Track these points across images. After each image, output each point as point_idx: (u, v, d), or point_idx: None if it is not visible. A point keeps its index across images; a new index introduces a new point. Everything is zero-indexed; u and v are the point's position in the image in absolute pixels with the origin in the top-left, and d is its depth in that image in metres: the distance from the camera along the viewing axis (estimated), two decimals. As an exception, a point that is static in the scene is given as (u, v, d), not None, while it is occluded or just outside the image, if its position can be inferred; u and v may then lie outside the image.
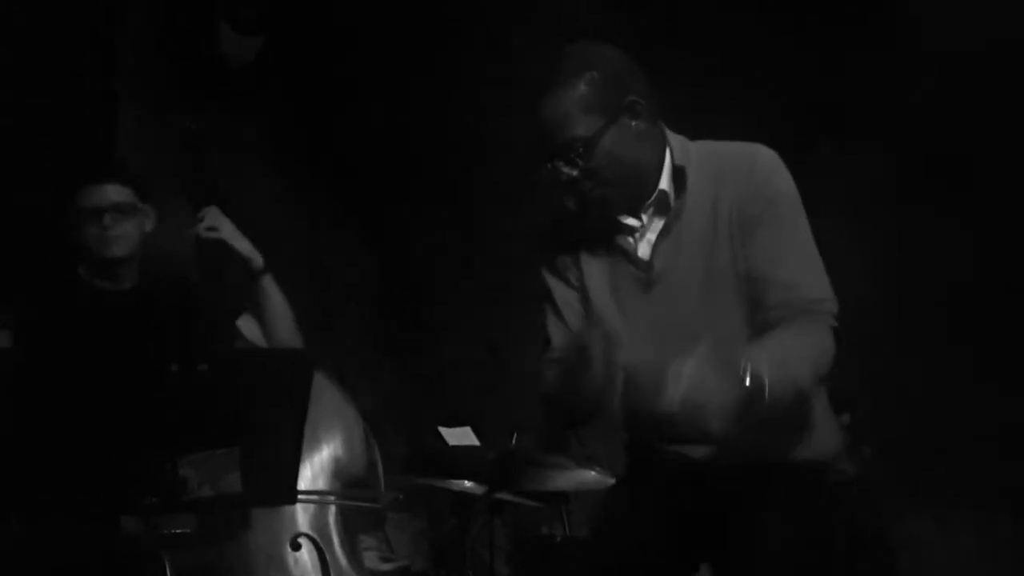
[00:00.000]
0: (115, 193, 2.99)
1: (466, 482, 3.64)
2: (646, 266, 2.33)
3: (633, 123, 2.27)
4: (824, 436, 2.34)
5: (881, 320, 4.13)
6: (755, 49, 4.31)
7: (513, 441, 3.72)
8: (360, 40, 4.63)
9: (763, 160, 2.32)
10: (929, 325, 4.23)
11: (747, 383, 2.00)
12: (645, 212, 2.34)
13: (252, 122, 4.44)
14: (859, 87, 4.34)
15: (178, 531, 2.49)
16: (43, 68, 3.91)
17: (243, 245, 2.99)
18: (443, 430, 3.97)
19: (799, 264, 2.25)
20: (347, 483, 2.87)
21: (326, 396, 2.83)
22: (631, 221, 2.34)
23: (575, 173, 2.26)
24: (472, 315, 4.77)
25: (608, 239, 2.37)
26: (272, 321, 3.00)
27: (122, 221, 2.98)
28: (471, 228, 4.88)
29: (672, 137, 2.36)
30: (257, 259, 3.01)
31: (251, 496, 2.48)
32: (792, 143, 4.29)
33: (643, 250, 2.34)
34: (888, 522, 4.00)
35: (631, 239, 2.35)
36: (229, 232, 2.99)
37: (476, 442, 3.98)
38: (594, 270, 2.39)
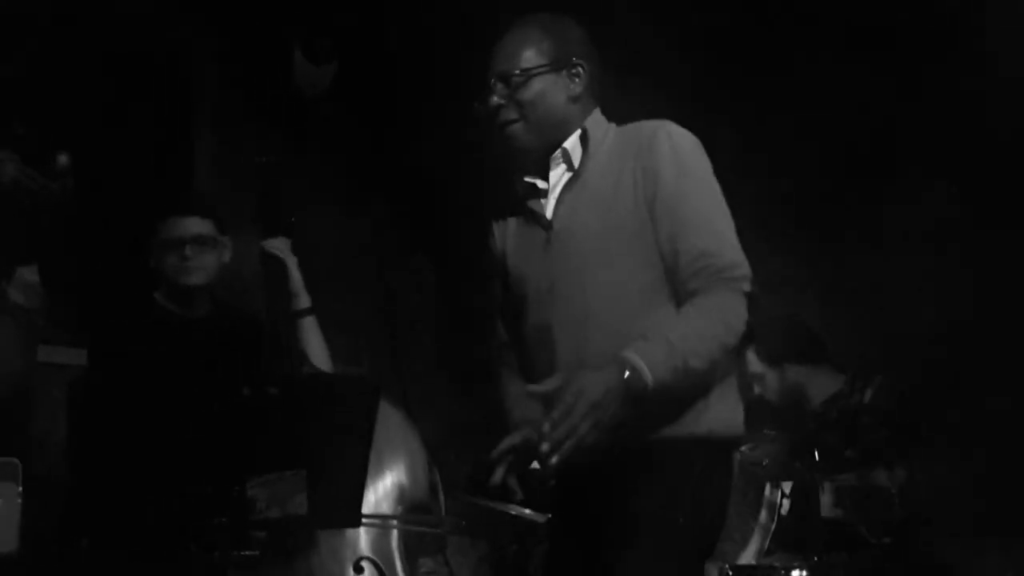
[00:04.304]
0: (197, 225, 3.09)
1: (528, 509, 3.65)
2: (547, 224, 2.44)
3: (571, 84, 2.45)
4: (722, 413, 2.35)
5: (953, 354, 4.10)
6: (829, 77, 4.31)
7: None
8: (434, 68, 4.69)
9: (669, 133, 2.40)
10: (1001, 360, 4.17)
11: (626, 376, 2.14)
12: (552, 169, 2.47)
13: (324, 151, 4.52)
14: (934, 117, 4.30)
15: (246, 552, 2.55)
16: (121, 103, 4.03)
17: (297, 278, 3.07)
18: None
19: (709, 233, 2.33)
20: (409, 508, 2.91)
21: (392, 422, 2.88)
22: (540, 183, 2.47)
23: (502, 100, 2.43)
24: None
25: (522, 204, 2.50)
26: (310, 363, 3.08)
27: (202, 253, 3.07)
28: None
29: (596, 116, 2.49)
30: (305, 298, 3.07)
31: (317, 518, 2.52)
32: (865, 173, 4.33)
33: (548, 209, 2.46)
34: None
35: (541, 201, 2.47)
36: (291, 261, 3.07)
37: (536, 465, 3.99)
38: (509, 233, 2.53)
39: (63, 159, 2.88)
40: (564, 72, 2.45)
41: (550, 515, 3.59)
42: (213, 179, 4.28)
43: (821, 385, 3.89)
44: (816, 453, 3.48)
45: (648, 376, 2.16)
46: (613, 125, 2.51)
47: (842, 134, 4.36)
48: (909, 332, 4.16)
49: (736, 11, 4.38)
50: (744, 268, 2.32)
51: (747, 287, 2.31)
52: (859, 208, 4.43)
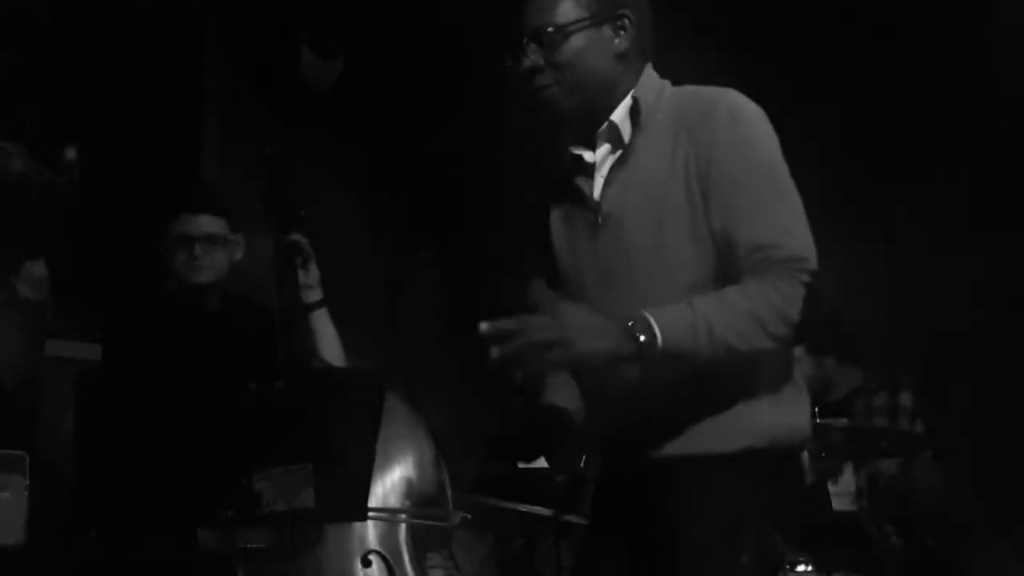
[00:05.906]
0: (208, 224, 3.08)
1: (535, 505, 3.67)
2: (595, 206, 2.20)
3: (615, 39, 2.17)
4: (794, 420, 2.16)
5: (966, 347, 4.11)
6: (843, 70, 4.31)
7: (582, 464, 3.74)
8: (442, 65, 4.69)
9: (729, 105, 2.13)
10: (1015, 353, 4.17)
11: (640, 339, 1.95)
12: (599, 146, 2.22)
13: (331, 145, 4.52)
14: (947, 111, 4.30)
15: (253, 545, 2.55)
16: (130, 95, 4.04)
17: (312, 270, 3.07)
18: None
19: (767, 223, 2.05)
20: (417, 502, 2.91)
21: (399, 416, 2.88)
22: (587, 155, 2.22)
23: (539, 61, 2.16)
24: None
25: (568, 181, 2.25)
26: (322, 355, 3.07)
27: (212, 251, 3.06)
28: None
29: (649, 77, 2.22)
30: (318, 290, 3.07)
31: (323, 512, 2.52)
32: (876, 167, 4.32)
33: (596, 189, 2.21)
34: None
35: (589, 180, 2.22)
36: (307, 251, 3.07)
37: (544, 464, 3.99)
38: (554, 215, 2.30)
39: (70, 153, 2.88)
40: (607, 26, 2.16)
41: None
42: (221, 172, 4.29)
43: (846, 377, 3.98)
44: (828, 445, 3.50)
45: (656, 329, 1.95)
46: (668, 84, 2.23)
47: (850, 132, 4.36)
48: (933, 331, 4.17)
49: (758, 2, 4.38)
50: (808, 261, 2.03)
51: (806, 279, 2.02)
52: (880, 207, 4.43)
